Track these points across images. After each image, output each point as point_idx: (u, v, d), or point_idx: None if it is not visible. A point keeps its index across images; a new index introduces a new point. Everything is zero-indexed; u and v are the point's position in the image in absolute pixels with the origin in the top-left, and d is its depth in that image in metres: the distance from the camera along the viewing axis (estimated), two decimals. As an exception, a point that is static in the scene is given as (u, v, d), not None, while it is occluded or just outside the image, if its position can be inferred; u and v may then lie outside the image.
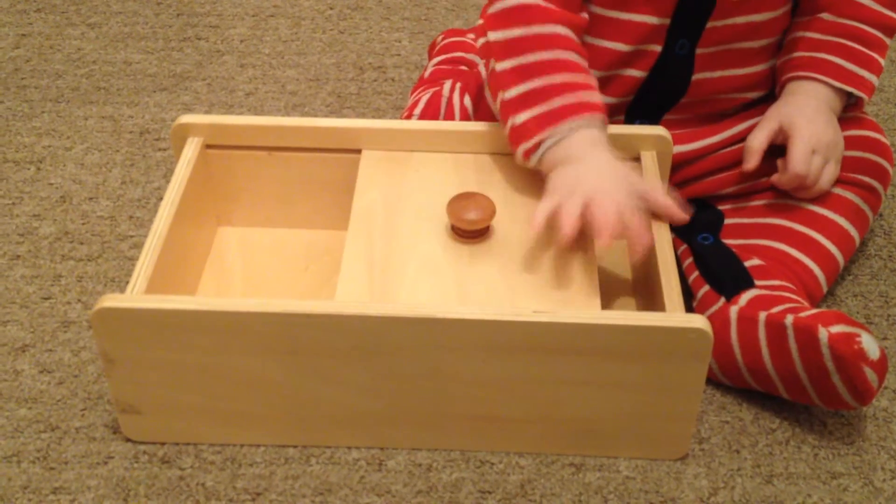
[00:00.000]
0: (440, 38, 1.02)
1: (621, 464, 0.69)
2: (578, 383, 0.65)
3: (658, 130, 0.76)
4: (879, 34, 0.79)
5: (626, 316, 0.64)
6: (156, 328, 0.64)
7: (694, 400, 0.66)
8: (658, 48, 0.77)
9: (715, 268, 0.76)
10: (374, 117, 1.01)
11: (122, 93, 1.04)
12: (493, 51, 0.73)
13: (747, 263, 0.75)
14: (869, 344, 0.66)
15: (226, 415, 0.68)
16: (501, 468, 0.69)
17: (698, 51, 0.77)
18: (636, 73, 0.78)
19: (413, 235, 0.72)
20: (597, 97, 0.72)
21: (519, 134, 0.72)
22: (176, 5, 1.19)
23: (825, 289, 0.77)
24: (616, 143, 0.75)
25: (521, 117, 0.71)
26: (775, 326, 0.69)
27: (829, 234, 0.77)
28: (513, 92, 0.72)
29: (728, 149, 0.81)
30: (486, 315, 0.63)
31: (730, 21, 0.76)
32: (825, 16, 0.79)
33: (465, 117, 0.83)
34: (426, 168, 0.77)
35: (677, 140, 0.79)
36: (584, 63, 0.73)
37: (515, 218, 0.73)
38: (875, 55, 0.79)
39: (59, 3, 1.18)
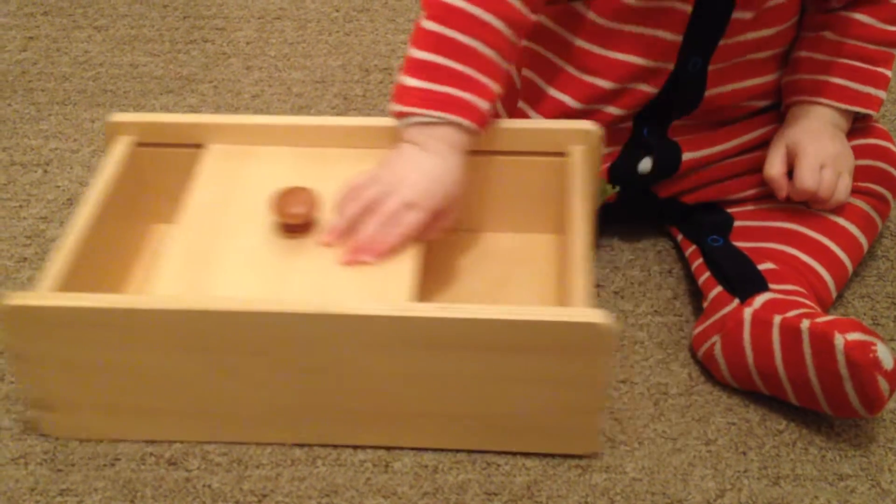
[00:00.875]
0: None
1: (628, 465, 0.69)
2: (485, 378, 0.65)
3: (585, 125, 0.76)
4: (884, 49, 0.79)
5: (525, 311, 0.63)
6: (62, 325, 0.64)
7: (599, 394, 0.66)
8: (671, 66, 0.76)
9: (728, 269, 0.76)
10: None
11: (128, 95, 1.04)
12: (430, 6, 0.72)
13: (761, 267, 0.75)
14: (884, 353, 0.66)
15: (139, 411, 0.69)
16: (507, 469, 0.69)
17: (710, 67, 0.77)
18: (648, 88, 0.78)
19: (240, 230, 0.72)
20: (486, 104, 0.71)
21: (400, 94, 0.72)
22: (182, 8, 1.19)
23: (834, 296, 0.77)
24: (544, 138, 0.76)
25: (411, 82, 0.71)
26: (790, 330, 0.69)
27: (840, 241, 0.77)
28: (419, 54, 0.71)
29: (738, 157, 0.81)
30: (384, 311, 0.63)
31: (741, 38, 0.76)
32: (828, 34, 0.79)
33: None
34: (268, 162, 0.77)
35: (687, 146, 0.79)
36: (502, 64, 0.72)
37: None
38: (881, 69, 0.79)
39: (66, 6, 1.19)
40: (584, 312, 0.63)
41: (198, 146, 0.78)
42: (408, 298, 0.67)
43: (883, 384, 0.65)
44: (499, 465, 0.69)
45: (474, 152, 0.76)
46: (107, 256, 0.74)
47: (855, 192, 0.79)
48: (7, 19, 1.16)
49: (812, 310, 0.71)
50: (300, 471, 0.69)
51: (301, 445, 0.70)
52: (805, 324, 0.68)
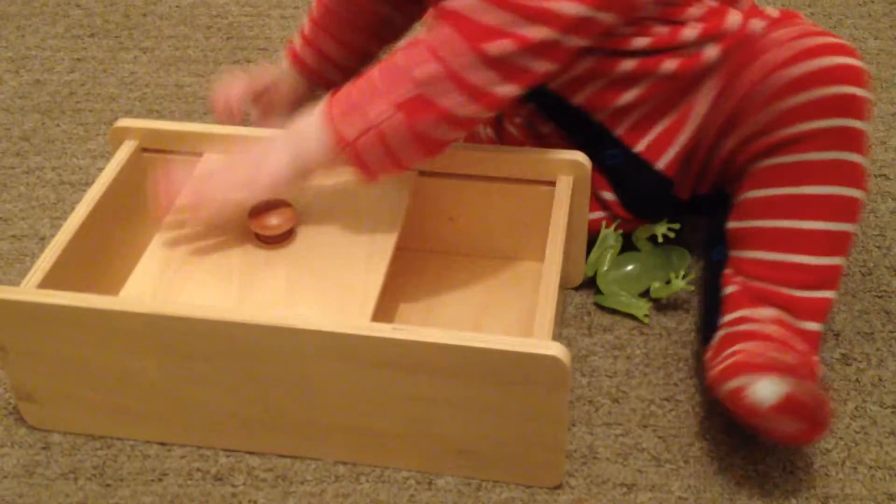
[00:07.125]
0: None
1: (674, 484, 0.68)
2: (445, 402, 0.65)
3: (576, 156, 0.75)
4: None
5: (482, 338, 0.62)
6: (42, 321, 0.66)
7: (559, 429, 0.64)
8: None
9: (705, 313, 0.76)
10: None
11: (174, 115, 1.06)
12: None
13: (725, 291, 0.73)
14: (761, 391, 0.62)
15: (111, 409, 0.70)
16: (551, 488, 0.68)
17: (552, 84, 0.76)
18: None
19: (218, 240, 0.74)
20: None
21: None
22: (226, 29, 1.20)
23: (830, 262, 0.70)
24: (535, 166, 0.76)
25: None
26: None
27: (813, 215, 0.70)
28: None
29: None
30: (344, 328, 0.63)
31: None
32: None
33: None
34: None
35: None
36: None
37: (324, 225, 0.75)
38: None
39: (113, 27, 1.21)
40: (539, 344, 0.61)
41: (199, 154, 0.80)
42: (368, 314, 0.67)
43: (777, 422, 0.64)
44: (543, 483, 0.69)
45: (467, 177, 0.77)
46: (104, 257, 0.76)
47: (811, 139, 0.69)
48: (55, 41, 1.19)
49: (749, 333, 0.69)
50: (344, 487, 0.69)
51: (344, 462, 0.70)
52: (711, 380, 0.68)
